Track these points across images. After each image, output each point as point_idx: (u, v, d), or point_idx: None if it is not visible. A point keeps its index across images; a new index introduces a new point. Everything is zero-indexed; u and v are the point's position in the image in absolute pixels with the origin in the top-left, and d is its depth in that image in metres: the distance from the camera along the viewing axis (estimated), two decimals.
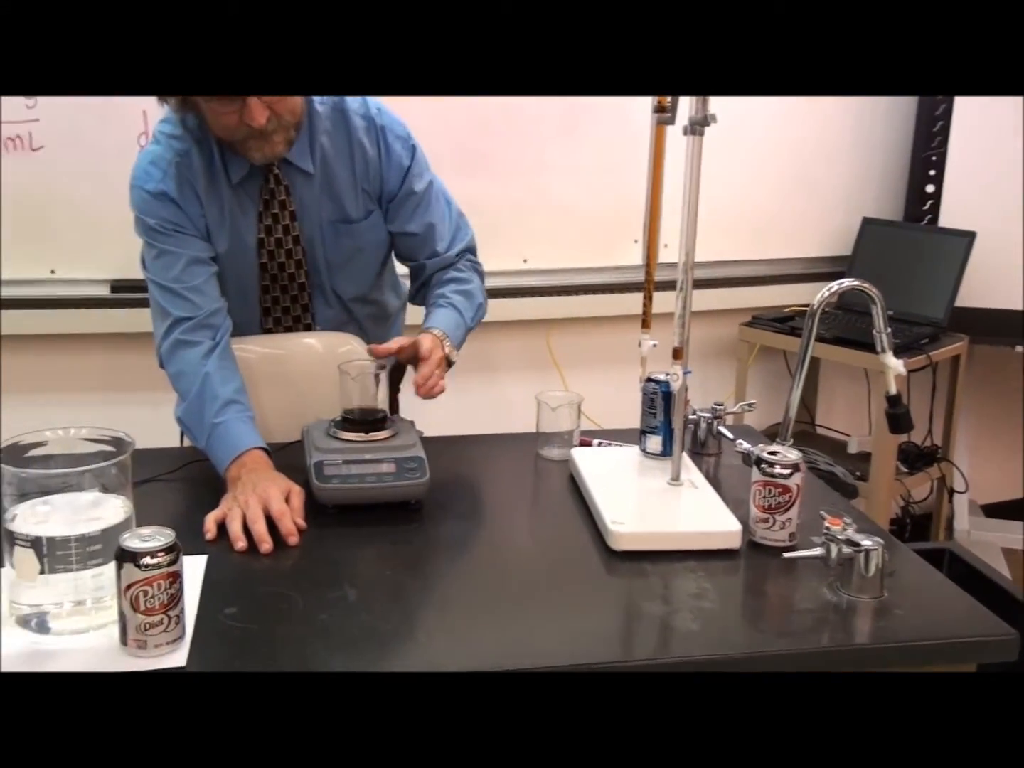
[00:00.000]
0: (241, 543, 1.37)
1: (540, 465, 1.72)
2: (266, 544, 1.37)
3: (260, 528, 1.39)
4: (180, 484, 1.60)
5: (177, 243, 1.69)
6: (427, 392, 1.59)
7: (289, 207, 1.76)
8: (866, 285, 1.49)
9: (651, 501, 1.50)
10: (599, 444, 1.74)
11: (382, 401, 1.57)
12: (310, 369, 1.79)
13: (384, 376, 1.58)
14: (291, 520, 1.41)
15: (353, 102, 1.78)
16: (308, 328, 1.87)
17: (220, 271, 1.76)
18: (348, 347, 1.81)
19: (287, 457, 1.62)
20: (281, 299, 1.84)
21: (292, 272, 1.81)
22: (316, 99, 1.75)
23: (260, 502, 1.42)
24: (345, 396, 1.55)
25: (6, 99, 2.48)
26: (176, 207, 1.69)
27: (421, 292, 1.90)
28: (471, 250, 1.93)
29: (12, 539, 1.16)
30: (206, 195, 1.72)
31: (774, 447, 1.44)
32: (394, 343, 1.64)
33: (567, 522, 1.49)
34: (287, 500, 1.45)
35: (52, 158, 2.51)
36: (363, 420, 1.54)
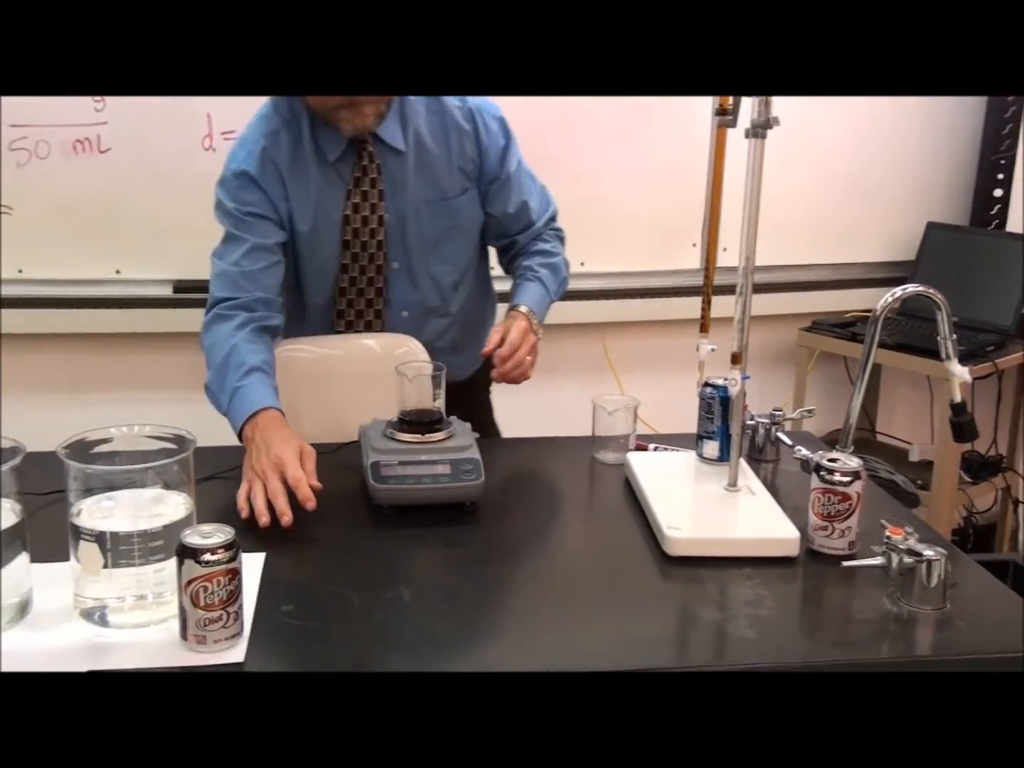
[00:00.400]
0: (264, 519, 1.39)
1: (595, 469, 1.70)
2: (286, 517, 1.38)
3: (281, 503, 1.40)
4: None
5: (246, 228, 1.71)
6: (520, 375, 1.65)
7: (378, 186, 1.77)
8: (931, 291, 1.47)
9: (708, 507, 1.48)
10: (655, 449, 1.72)
11: (439, 403, 1.55)
12: (368, 370, 1.79)
13: (442, 378, 1.57)
14: (307, 486, 1.41)
15: None
16: (378, 315, 1.85)
17: (300, 251, 1.78)
18: (405, 348, 1.81)
19: (344, 457, 1.63)
20: (358, 280, 1.83)
21: (372, 252, 1.81)
22: None
23: (276, 470, 1.42)
24: (402, 397, 1.54)
25: (75, 102, 2.51)
26: (256, 187, 1.72)
27: (511, 263, 1.93)
28: (554, 217, 1.98)
29: (77, 533, 1.17)
30: (292, 174, 1.74)
31: (834, 454, 1.42)
32: (495, 334, 1.69)
33: (622, 526, 1.48)
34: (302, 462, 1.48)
35: (118, 160, 2.55)
36: (419, 421, 1.54)
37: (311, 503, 1.41)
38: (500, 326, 1.74)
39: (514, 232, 1.90)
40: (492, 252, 2.01)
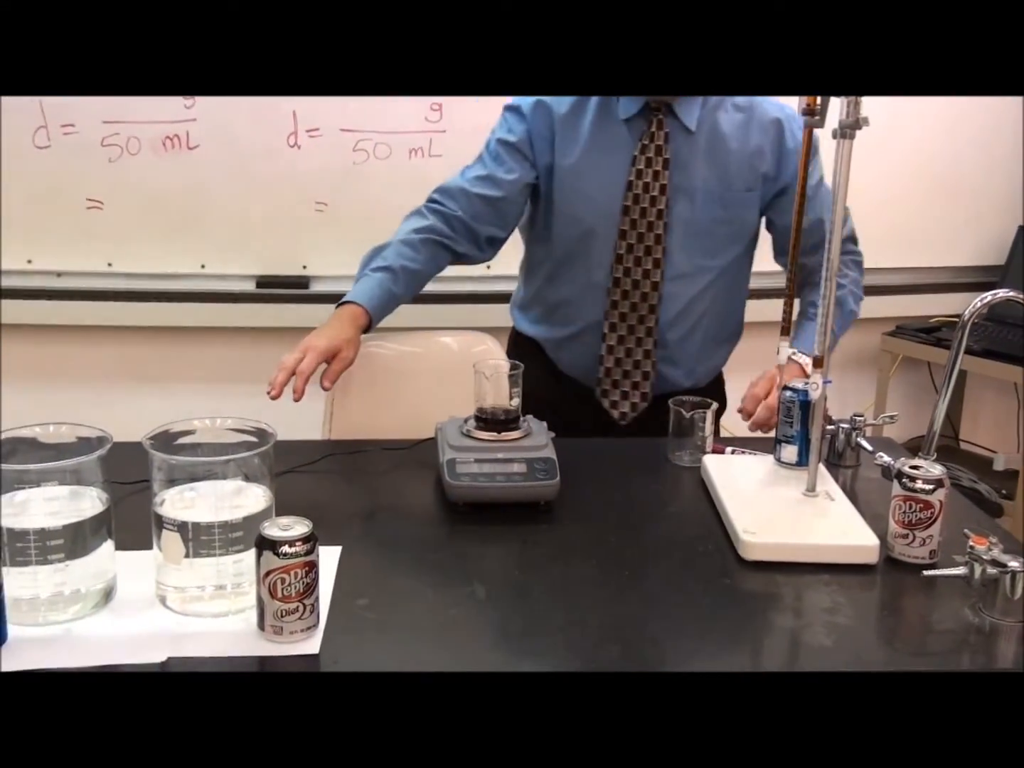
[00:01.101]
0: (273, 392, 1.49)
1: (671, 471, 1.68)
2: (273, 391, 1.48)
3: (281, 378, 1.50)
4: (318, 476, 1.60)
5: (491, 156, 1.76)
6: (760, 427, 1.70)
7: (664, 154, 1.77)
8: (1021, 296, 1.42)
9: (785, 511, 1.46)
10: (732, 452, 1.70)
11: (515, 402, 1.54)
12: (446, 367, 1.80)
13: (519, 377, 1.55)
14: (304, 380, 1.51)
15: None
16: (655, 287, 1.82)
17: (577, 213, 1.79)
18: (483, 347, 1.83)
19: (420, 454, 1.63)
20: (635, 247, 1.81)
21: (652, 220, 1.79)
22: None
23: (302, 350, 1.53)
24: (479, 395, 1.54)
25: (166, 99, 2.54)
26: (521, 121, 1.75)
27: (799, 290, 1.88)
28: (851, 238, 1.94)
29: (160, 523, 1.19)
30: (581, 131, 1.74)
31: (916, 461, 1.40)
32: (760, 390, 1.67)
33: (697, 529, 1.46)
34: (331, 360, 1.58)
35: (206, 157, 2.60)
36: (496, 419, 1.53)
37: (296, 395, 1.51)
38: (766, 381, 1.69)
39: (803, 253, 1.77)
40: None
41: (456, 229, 1.77)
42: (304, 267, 2.78)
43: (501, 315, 2.01)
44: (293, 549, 1.12)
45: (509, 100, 1.81)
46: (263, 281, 2.72)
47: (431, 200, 1.81)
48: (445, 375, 1.81)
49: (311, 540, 1.14)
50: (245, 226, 2.64)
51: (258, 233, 2.64)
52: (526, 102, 1.79)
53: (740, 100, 1.78)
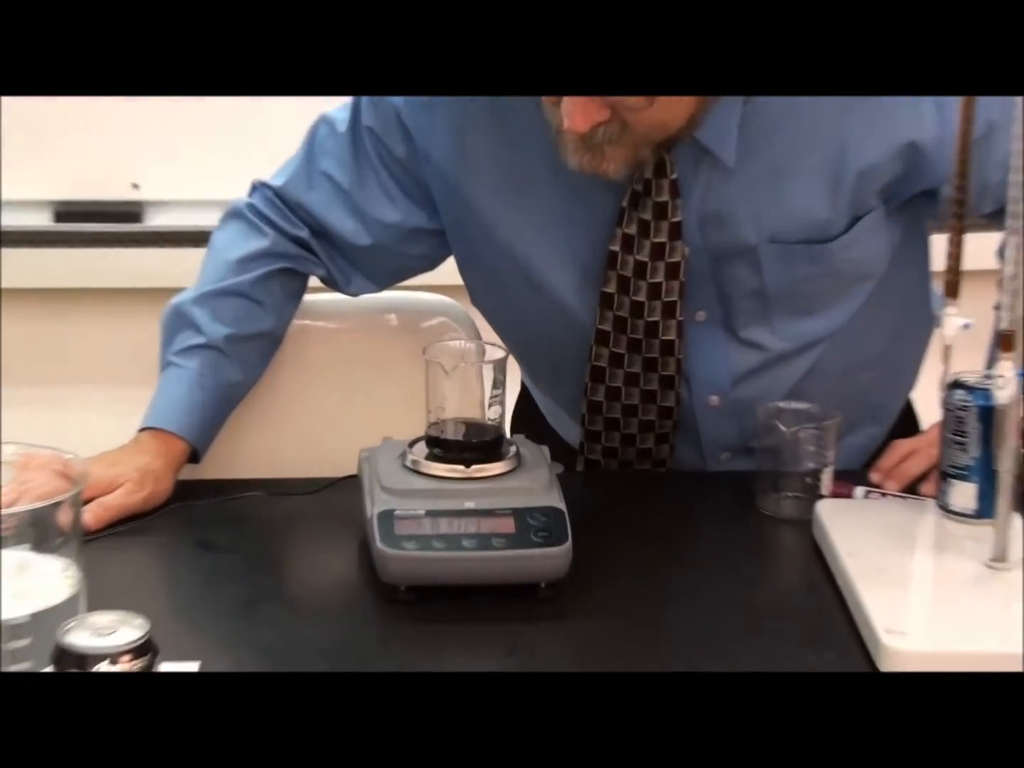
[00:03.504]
0: None
1: (759, 524, 1.55)
2: None
3: None
4: (162, 540, 1.50)
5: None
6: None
7: (671, 214, 1.61)
8: None
9: (955, 596, 1.35)
10: (867, 494, 1.58)
11: (494, 413, 1.41)
12: (380, 356, 1.74)
13: (504, 366, 1.43)
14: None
15: None
16: (667, 414, 1.72)
17: (504, 313, 1.72)
18: (439, 320, 1.71)
19: (333, 501, 1.54)
20: (626, 358, 1.68)
21: (656, 321, 1.63)
22: None
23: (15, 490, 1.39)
24: (434, 402, 1.42)
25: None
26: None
27: None
28: None
29: None
30: (496, 163, 1.66)
31: None
32: (892, 457, 1.64)
33: (804, 624, 1.34)
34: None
35: None
36: (462, 443, 1.41)
37: None
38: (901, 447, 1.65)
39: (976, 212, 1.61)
40: None
41: (312, 249, 1.72)
42: (135, 186, 2.67)
43: None
44: (117, 667, 1.04)
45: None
46: (65, 210, 2.65)
47: (275, 195, 1.74)
48: (375, 371, 1.74)
49: (147, 652, 1.06)
50: (35, 125, 2.54)
51: (56, 135, 2.56)
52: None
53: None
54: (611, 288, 1.67)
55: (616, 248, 1.64)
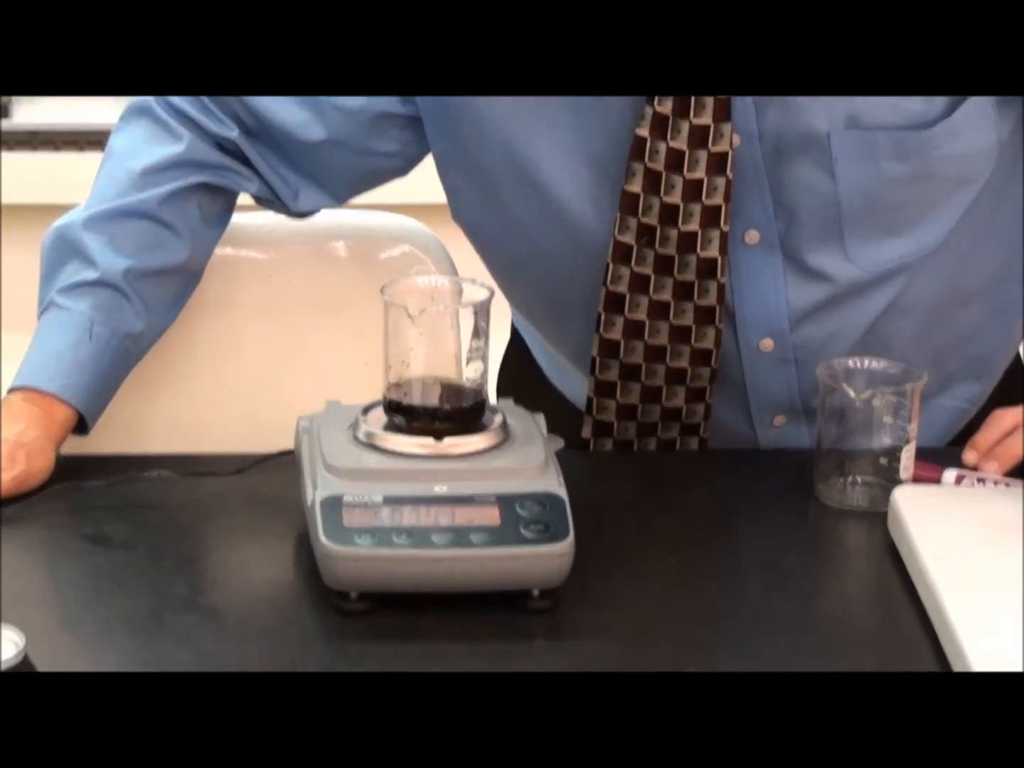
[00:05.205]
0: None
1: (817, 516, 1.53)
2: None
3: None
4: (46, 533, 1.52)
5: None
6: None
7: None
8: None
9: None
10: (959, 479, 1.56)
11: (474, 371, 1.36)
12: (322, 296, 1.70)
13: (487, 310, 1.35)
14: None
15: None
16: (704, 359, 1.68)
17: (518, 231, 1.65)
18: (400, 250, 1.66)
19: (265, 483, 1.53)
20: (653, 282, 1.63)
21: (693, 231, 1.64)
22: None
23: None
24: (394, 356, 1.37)
25: None
26: None
27: None
28: None
29: None
30: None
31: None
32: (992, 432, 1.60)
33: (877, 640, 1.34)
34: None
35: None
36: (432, 410, 1.37)
37: None
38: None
39: None
40: None
41: (240, 155, 1.64)
42: None
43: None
44: None
45: None
46: None
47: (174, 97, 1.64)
48: (319, 315, 1.69)
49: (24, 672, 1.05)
50: None
51: None
52: None
53: None
54: (635, 187, 1.59)
55: (644, 133, 1.57)
